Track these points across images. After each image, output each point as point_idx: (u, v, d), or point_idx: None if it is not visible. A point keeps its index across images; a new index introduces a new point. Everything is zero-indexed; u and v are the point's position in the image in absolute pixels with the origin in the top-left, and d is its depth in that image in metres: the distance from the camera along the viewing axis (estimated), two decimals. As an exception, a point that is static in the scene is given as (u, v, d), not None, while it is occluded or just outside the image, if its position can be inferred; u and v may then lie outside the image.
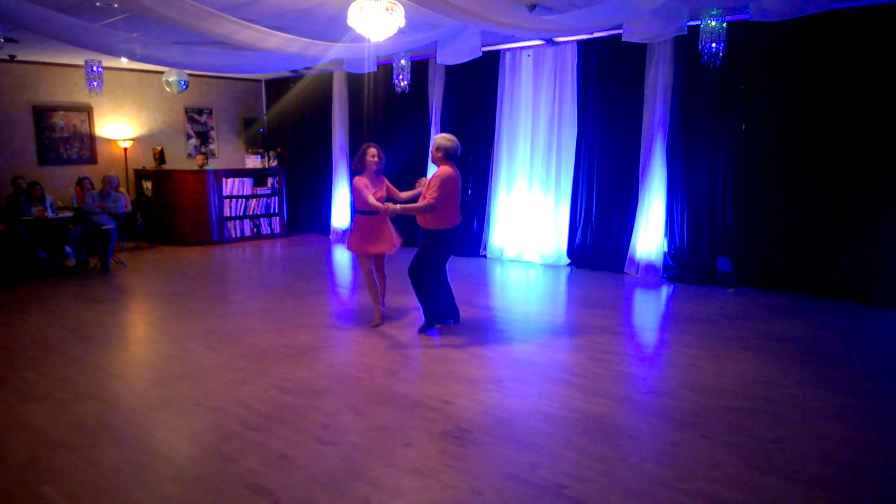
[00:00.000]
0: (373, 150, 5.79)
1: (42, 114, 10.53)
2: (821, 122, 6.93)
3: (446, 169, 5.39)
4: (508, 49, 9.22)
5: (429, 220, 5.48)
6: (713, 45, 6.03)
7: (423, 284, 5.63)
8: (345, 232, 11.85)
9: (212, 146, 12.83)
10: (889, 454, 3.52)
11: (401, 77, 8.22)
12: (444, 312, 5.90)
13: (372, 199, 5.55)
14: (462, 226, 5.73)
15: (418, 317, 6.32)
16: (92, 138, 11.14)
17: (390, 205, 5.44)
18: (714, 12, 5.97)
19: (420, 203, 5.42)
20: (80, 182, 9.98)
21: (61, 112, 10.75)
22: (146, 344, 5.80)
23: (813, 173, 7.03)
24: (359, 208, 5.84)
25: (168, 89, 10.34)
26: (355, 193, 5.79)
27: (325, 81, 11.74)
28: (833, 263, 6.98)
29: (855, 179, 6.78)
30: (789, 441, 3.65)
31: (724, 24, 6.08)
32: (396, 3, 5.31)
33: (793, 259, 7.26)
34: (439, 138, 5.46)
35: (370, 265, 5.97)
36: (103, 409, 4.15)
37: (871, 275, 6.74)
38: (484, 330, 5.95)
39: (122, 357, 5.38)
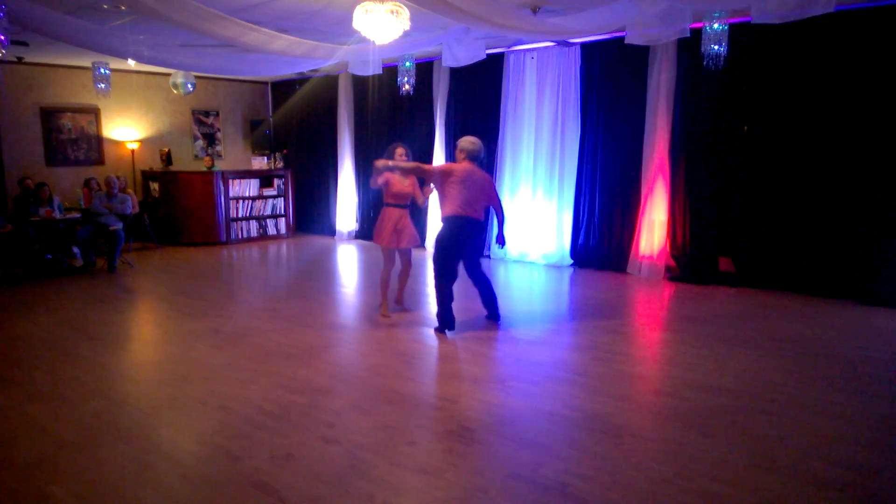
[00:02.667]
0: (400, 150, 6.14)
1: (50, 115, 10.61)
2: (822, 123, 6.94)
3: (455, 163, 5.83)
4: (512, 51, 9.25)
5: (440, 209, 5.83)
6: (715, 47, 6.04)
7: (435, 279, 5.84)
8: (350, 233, 11.90)
9: (218, 148, 12.89)
10: (890, 453, 3.53)
11: (405, 79, 8.26)
12: (450, 317, 5.80)
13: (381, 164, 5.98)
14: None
15: (422, 317, 6.36)
16: (99, 140, 11.22)
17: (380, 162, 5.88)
18: (716, 15, 5.99)
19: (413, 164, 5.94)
20: (87, 183, 10.05)
21: (69, 114, 10.82)
22: (153, 344, 5.84)
23: (814, 174, 7.04)
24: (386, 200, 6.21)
25: (175, 91, 10.40)
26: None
27: (331, 83, 11.80)
28: (834, 263, 6.99)
29: (856, 180, 6.79)
30: (791, 440, 3.67)
31: (727, 27, 6.09)
32: (401, 6, 5.34)
33: (794, 259, 7.27)
34: (461, 140, 5.87)
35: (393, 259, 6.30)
36: (110, 408, 4.19)
37: (872, 275, 6.74)
38: (488, 329, 5.97)
39: (128, 356, 5.43)
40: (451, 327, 5.78)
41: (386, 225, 6.12)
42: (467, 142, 5.82)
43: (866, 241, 6.77)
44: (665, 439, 3.71)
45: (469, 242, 5.80)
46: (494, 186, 5.97)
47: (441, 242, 5.73)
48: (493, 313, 6.16)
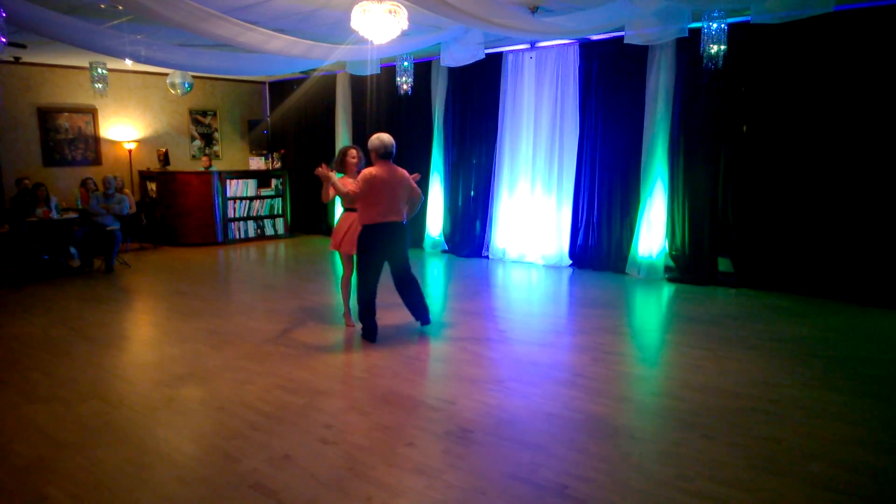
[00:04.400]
0: (353, 152, 5.92)
1: (47, 115, 10.58)
2: (822, 123, 6.93)
3: (372, 167, 5.34)
4: (511, 51, 9.24)
5: (359, 216, 5.44)
6: (714, 47, 6.04)
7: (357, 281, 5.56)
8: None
9: (216, 148, 12.88)
10: (890, 454, 3.52)
11: (404, 79, 8.26)
12: (373, 327, 5.57)
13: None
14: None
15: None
16: (96, 140, 11.19)
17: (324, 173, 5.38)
18: (715, 14, 5.99)
19: (345, 187, 5.38)
20: (84, 183, 10.03)
21: (66, 114, 10.80)
22: (150, 344, 5.82)
23: (814, 174, 7.04)
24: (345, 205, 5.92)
25: (172, 91, 10.37)
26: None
27: (329, 83, 11.78)
28: (834, 264, 6.98)
29: (856, 180, 6.78)
30: (791, 441, 3.66)
31: (726, 26, 6.10)
32: (400, 5, 5.33)
33: (793, 260, 7.26)
34: (370, 140, 5.39)
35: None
36: (107, 409, 4.17)
37: (871, 276, 6.74)
38: (486, 330, 5.96)
39: (125, 357, 5.41)
40: (373, 338, 5.53)
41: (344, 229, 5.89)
42: (376, 140, 5.35)
43: (866, 242, 6.76)
44: (664, 440, 3.70)
45: (394, 248, 5.47)
46: (412, 180, 5.55)
47: (364, 253, 5.42)
48: (423, 318, 5.83)
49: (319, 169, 5.36)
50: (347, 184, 5.44)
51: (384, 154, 5.35)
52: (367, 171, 5.31)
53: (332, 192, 5.56)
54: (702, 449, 3.56)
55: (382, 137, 5.39)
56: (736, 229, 7.63)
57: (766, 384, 4.54)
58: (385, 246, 5.43)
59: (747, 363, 4.99)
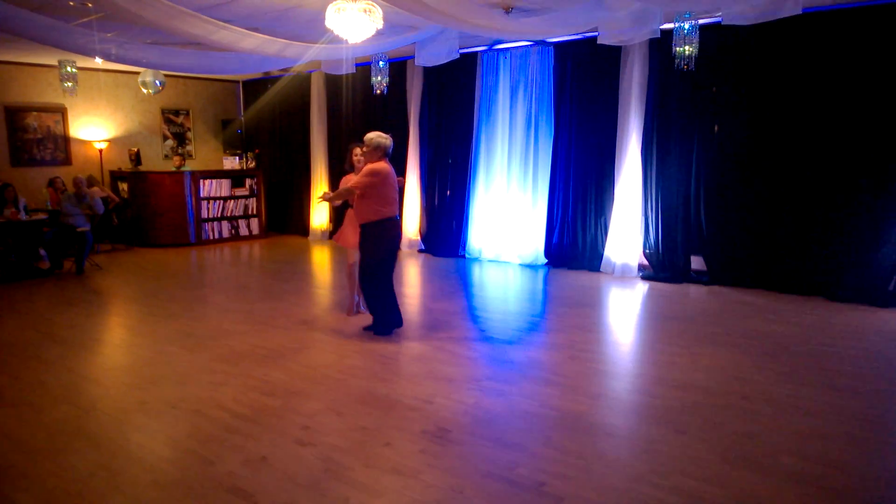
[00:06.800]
0: (357, 150, 5.98)
1: (14, 114, 10.35)
2: (790, 123, 7.07)
3: (378, 164, 5.47)
4: (485, 51, 9.27)
5: (361, 213, 5.54)
6: (687, 48, 6.13)
7: (371, 287, 5.61)
8: (323, 233, 11.82)
9: (189, 147, 12.72)
10: (860, 447, 3.60)
11: (379, 78, 8.23)
12: (395, 318, 5.74)
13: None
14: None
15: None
16: (66, 139, 10.98)
17: (324, 193, 5.79)
18: (687, 16, 6.07)
19: (344, 188, 5.69)
20: (52, 183, 9.83)
21: (34, 113, 10.58)
22: (122, 347, 5.74)
23: (783, 174, 7.17)
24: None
25: (144, 90, 10.23)
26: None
27: (304, 82, 11.71)
28: (803, 262, 7.13)
29: (825, 179, 6.93)
30: (762, 435, 3.73)
31: (697, 28, 6.18)
32: (374, 4, 5.32)
33: (764, 257, 7.40)
34: (376, 137, 5.47)
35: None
36: (79, 413, 4.10)
37: (838, 272, 6.89)
38: (463, 329, 5.98)
39: (97, 360, 5.32)
40: (400, 323, 5.78)
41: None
42: (383, 138, 5.45)
43: (833, 239, 6.91)
44: (639, 437, 3.75)
45: (398, 240, 5.76)
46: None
47: (389, 247, 5.54)
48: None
49: (320, 199, 5.73)
50: (350, 182, 5.66)
51: (387, 153, 5.55)
52: (375, 168, 5.41)
53: (339, 200, 5.83)
54: (675, 444, 3.61)
55: (384, 135, 5.53)
56: (708, 228, 7.75)
57: (737, 380, 4.62)
58: (399, 239, 5.75)
59: (719, 359, 5.07)
